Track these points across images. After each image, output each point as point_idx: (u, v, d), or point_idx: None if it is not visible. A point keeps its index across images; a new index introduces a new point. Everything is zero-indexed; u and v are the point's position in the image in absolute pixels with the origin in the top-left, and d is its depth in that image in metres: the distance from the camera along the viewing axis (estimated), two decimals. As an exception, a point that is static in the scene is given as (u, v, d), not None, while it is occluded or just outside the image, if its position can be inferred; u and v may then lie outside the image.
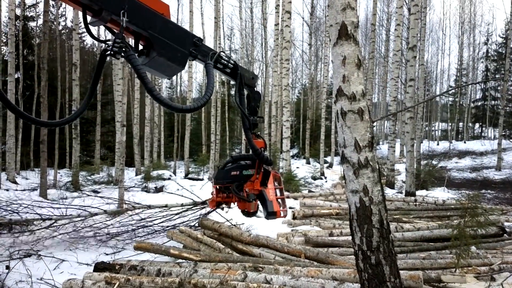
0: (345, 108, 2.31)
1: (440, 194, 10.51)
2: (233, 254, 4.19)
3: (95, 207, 6.67)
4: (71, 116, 2.03)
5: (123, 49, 1.84)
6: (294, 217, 6.60)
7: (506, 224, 5.79)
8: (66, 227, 5.96)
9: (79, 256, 4.89)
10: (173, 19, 2.64)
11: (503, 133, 23.52)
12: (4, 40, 14.72)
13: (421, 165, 14.94)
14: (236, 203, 2.60)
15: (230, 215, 6.14)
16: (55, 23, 22.95)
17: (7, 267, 4.22)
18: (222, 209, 2.81)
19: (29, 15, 20.90)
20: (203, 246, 4.61)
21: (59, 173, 15.02)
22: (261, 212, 2.62)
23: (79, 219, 6.17)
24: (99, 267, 3.90)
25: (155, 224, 6.20)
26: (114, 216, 6.50)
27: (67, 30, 27.20)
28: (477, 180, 16.67)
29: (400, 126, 25.47)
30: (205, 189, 10.49)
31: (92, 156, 20.80)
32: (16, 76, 15.54)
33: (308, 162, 23.44)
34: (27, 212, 6.22)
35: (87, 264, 4.63)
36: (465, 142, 31.36)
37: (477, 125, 38.37)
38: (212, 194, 2.70)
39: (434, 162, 16.23)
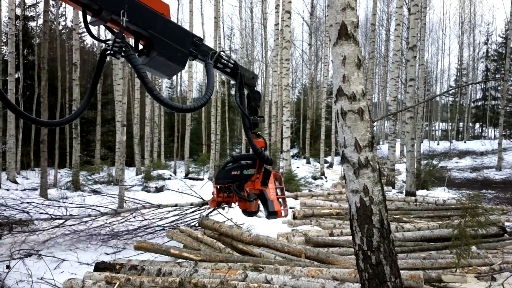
0: (345, 108, 2.31)
1: (441, 194, 10.51)
2: (233, 254, 4.19)
3: (105, 207, 6.72)
4: (71, 116, 2.03)
5: (123, 48, 1.84)
6: (294, 217, 6.60)
7: (506, 224, 5.79)
8: (75, 226, 5.98)
9: (80, 256, 4.89)
10: (173, 19, 2.64)
11: (504, 133, 23.52)
12: (4, 40, 14.72)
13: (422, 165, 14.94)
14: (237, 202, 2.60)
15: (231, 215, 6.14)
16: (55, 23, 22.97)
17: (8, 267, 4.22)
18: (223, 209, 2.82)
19: (29, 15, 20.92)
20: (204, 246, 4.61)
21: (59, 173, 15.03)
22: (261, 212, 2.62)
23: (89, 218, 6.20)
24: (100, 266, 3.90)
25: (166, 224, 6.21)
26: (123, 216, 6.52)
27: (67, 30, 27.21)
28: (478, 180, 16.67)
29: (400, 126, 25.47)
30: (205, 189, 10.48)
31: (93, 156, 20.81)
32: (16, 76, 15.55)
33: (308, 162, 23.44)
34: (37, 212, 6.26)
35: (88, 264, 4.63)
36: (465, 142, 31.34)
37: (477, 125, 38.36)
38: (213, 194, 2.70)
39: (434, 162, 16.22)
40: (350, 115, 2.30)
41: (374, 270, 2.28)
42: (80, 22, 14.08)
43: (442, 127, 42.83)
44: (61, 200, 7.65)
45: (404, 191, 10.63)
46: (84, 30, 2.41)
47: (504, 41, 30.23)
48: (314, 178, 16.01)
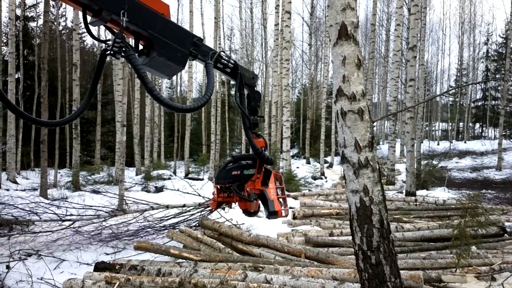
0: (345, 108, 2.31)
1: (441, 194, 10.51)
2: (233, 254, 4.19)
3: (114, 207, 6.74)
4: (71, 116, 2.04)
5: (123, 49, 1.84)
6: (294, 217, 6.60)
7: (506, 224, 5.79)
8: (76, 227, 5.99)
9: (79, 256, 4.89)
10: (173, 19, 2.64)
11: (504, 133, 23.52)
12: (5, 41, 14.73)
13: (422, 165, 14.93)
14: (237, 202, 2.60)
15: (231, 215, 6.14)
16: (55, 23, 22.98)
17: (8, 267, 4.22)
18: (223, 209, 2.82)
19: (30, 16, 20.92)
20: (203, 246, 4.61)
21: (59, 173, 15.03)
22: (261, 212, 2.62)
23: (98, 219, 6.21)
24: (100, 267, 3.90)
25: (178, 222, 6.23)
26: (125, 217, 6.53)
27: (67, 30, 27.22)
28: (478, 180, 16.66)
29: (400, 126, 25.46)
30: (205, 188, 10.48)
31: (93, 156, 20.81)
32: (16, 76, 15.56)
33: (308, 162, 23.44)
34: (45, 212, 6.30)
35: (88, 264, 4.63)
36: (465, 142, 31.34)
37: (477, 125, 38.36)
38: (213, 194, 2.70)
39: (434, 162, 16.21)
40: (350, 115, 2.30)
41: (374, 270, 2.28)
42: (80, 23, 14.08)
43: (442, 127, 42.83)
44: (68, 201, 7.67)
45: (404, 191, 10.63)
46: (84, 30, 2.41)
47: (504, 41, 30.23)
48: (314, 178, 16.01)
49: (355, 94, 2.29)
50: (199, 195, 7.78)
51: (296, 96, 35.62)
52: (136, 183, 13.66)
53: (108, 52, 1.86)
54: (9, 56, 13.33)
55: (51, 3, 17.64)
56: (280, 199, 2.55)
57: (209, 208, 6.28)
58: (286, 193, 2.75)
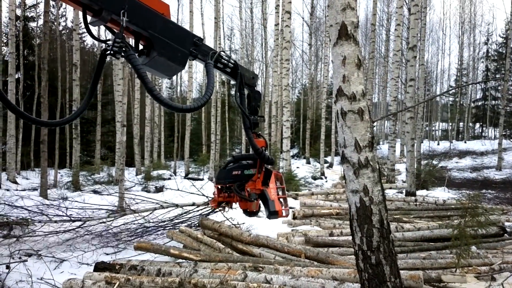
0: (345, 108, 2.31)
1: (441, 194, 10.50)
2: (233, 254, 4.19)
3: (124, 207, 6.76)
4: (71, 116, 2.03)
5: (123, 49, 1.84)
6: (294, 217, 6.59)
7: (506, 224, 5.79)
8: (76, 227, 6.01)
9: (79, 256, 4.89)
10: (173, 19, 2.64)
11: (504, 133, 23.52)
12: (5, 41, 14.73)
13: (422, 165, 14.93)
14: (238, 202, 2.60)
15: (230, 215, 6.15)
16: (55, 23, 22.98)
17: (7, 267, 4.23)
18: (224, 208, 2.82)
19: (30, 16, 20.93)
20: (203, 246, 4.61)
21: (59, 173, 15.04)
22: (262, 212, 2.62)
23: (109, 219, 6.22)
24: (99, 267, 3.90)
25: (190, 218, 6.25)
26: (127, 216, 6.55)
27: (67, 31, 27.22)
28: (478, 180, 16.65)
29: (400, 126, 25.47)
30: (205, 188, 10.47)
31: (93, 156, 20.82)
32: (16, 76, 15.58)
33: (308, 162, 23.44)
34: (56, 214, 6.35)
35: (88, 264, 4.63)
36: (465, 142, 31.34)
37: (477, 125, 38.36)
38: (214, 194, 2.70)
39: (434, 162, 16.21)
40: (350, 115, 2.30)
41: (374, 270, 2.28)
42: (80, 23, 14.09)
43: (442, 127, 42.84)
44: (77, 200, 7.73)
45: (404, 191, 10.63)
46: (84, 30, 2.41)
47: (504, 41, 30.23)
48: (314, 178, 16.01)
49: (355, 94, 2.29)
50: (203, 195, 7.77)
51: (296, 96, 35.64)
52: (136, 183, 13.67)
53: (108, 52, 1.86)
54: (9, 56, 13.34)
55: (51, 3, 17.65)
56: (281, 199, 2.55)
57: (220, 208, 6.28)
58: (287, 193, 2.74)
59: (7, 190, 10.63)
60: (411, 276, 3.02)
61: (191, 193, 8.17)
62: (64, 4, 23.89)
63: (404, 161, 15.23)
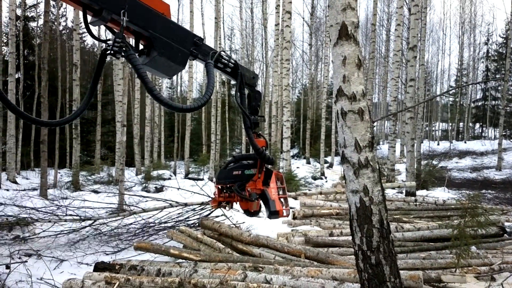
0: (345, 108, 2.31)
1: (441, 194, 10.51)
2: (233, 254, 4.19)
3: (134, 205, 6.79)
4: (71, 116, 2.03)
5: (124, 48, 1.84)
6: (294, 217, 6.59)
7: (506, 224, 5.78)
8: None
9: (79, 256, 4.89)
10: (173, 19, 2.65)
11: (504, 133, 23.52)
12: (5, 41, 14.72)
13: (422, 165, 14.93)
14: (238, 202, 2.60)
15: (230, 213, 6.16)
16: (55, 23, 22.99)
17: (7, 267, 4.22)
18: (224, 208, 2.81)
19: (30, 16, 20.93)
20: (203, 246, 4.61)
21: (59, 173, 15.03)
22: (262, 212, 2.61)
23: (117, 217, 6.24)
24: (99, 267, 3.90)
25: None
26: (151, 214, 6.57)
27: (67, 31, 27.24)
28: (478, 180, 16.66)
29: (400, 126, 25.48)
30: (205, 188, 10.46)
31: (93, 156, 20.82)
32: (16, 76, 15.58)
33: (308, 162, 23.45)
34: (66, 214, 6.39)
35: (87, 264, 4.63)
36: (465, 142, 31.34)
37: (477, 125, 38.37)
38: (214, 194, 2.70)
39: (434, 162, 16.22)
40: (350, 116, 2.30)
41: (373, 270, 2.28)
42: (81, 23, 14.09)
43: (442, 127, 42.86)
44: (86, 200, 7.78)
45: (404, 191, 10.63)
46: (85, 30, 2.40)
47: (504, 41, 30.24)
48: (314, 178, 16.01)
49: (355, 94, 2.29)
50: (207, 195, 7.78)
51: (296, 96, 35.65)
52: (136, 183, 13.67)
53: (108, 52, 1.86)
54: (9, 56, 13.33)
55: (52, 3, 17.67)
56: (281, 199, 2.55)
57: (220, 208, 6.29)
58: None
59: (7, 190, 10.64)
60: (411, 276, 3.02)
61: (196, 193, 8.17)
62: (64, 4, 23.89)
63: (404, 161, 15.23)
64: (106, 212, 7.22)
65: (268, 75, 25.78)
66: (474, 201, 4.20)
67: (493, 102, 34.70)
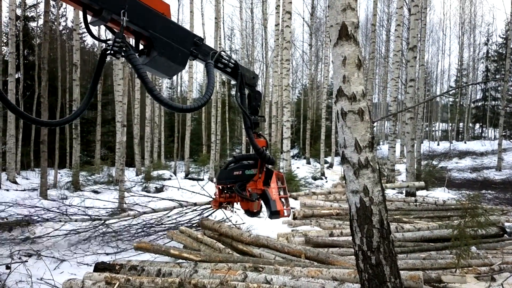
0: (346, 109, 2.31)
1: (441, 194, 10.51)
2: (233, 254, 4.19)
3: (144, 205, 6.84)
4: (71, 116, 2.03)
5: (124, 48, 1.84)
6: (294, 217, 6.59)
7: (506, 224, 5.79)
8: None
9: (79, 256, 4.89)
10: (173, 19, 2.65)
11: (504, 134, 23.52)
12: (5, 40, 14.72)
13: (422, 165, 14.93)
14: (239, 203, 2.59)
15: (230, 215, 6.16)
16: (55, 23, 22.99)
17: (8, 267, 4.22)
18: (225, 208, 2.81)
19: (30, 16, 20.91)
20: (203, 246, 4.61)
21: (59, 173, 15.02)
22: (262, 213, 2.61)
23: (128, 217, 6.25)
24: (99, 267, 3.90)
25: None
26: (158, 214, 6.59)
27: (67, 31, 27.23)
28: (478, 180, 16.65)
29: (400, 126, 25.47)
30: (206, 189, 10.47)
31: (93, 156, 20.81)
32: (16, 76, 15.56)
33: (308, 162, 23.45)
34: (66, 214, 6.42)
35: (87, 264, 4.63)
36: (465, 143, 31.35)
37: (477, 126, 38.38)
38: (215, 194, 2.70)
39: (434, 163, 16.22)
40: (350, 116, 2.30)
41: (374, 270, 2.28)
42: (81, 23, 14.10)
43: (442, 127, 42.85)
44: (98, 199, 7.82)
45: (404, 191, 10.63)
46: (85, 30, 2.40)
47: (504, 41, 30.24)
48: (314, 178, 16.01)
49: (355, 94, 2.29)
50: (209, 195, 7.78)
51: (296, 96, 35.65)
52: (136, 183, 13.67)
53: (108, 52, 1.86)
54: (9, 56, 13.33)
55: (52, 3, 17.68)
56: (282, 199, 2.54)
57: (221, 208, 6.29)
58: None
59: (7, 190, 10.63)
60: (411, 277, 3.02)
61: (196, 192, 8.17)
62: (64, 4, 23.90)
63: (404, 162, 15.23)
64: (106, 212, 7.23)
65: (268, 75, 25.78)
66: (474, 201, 4.20)
67: (493, 102, 34.71)
